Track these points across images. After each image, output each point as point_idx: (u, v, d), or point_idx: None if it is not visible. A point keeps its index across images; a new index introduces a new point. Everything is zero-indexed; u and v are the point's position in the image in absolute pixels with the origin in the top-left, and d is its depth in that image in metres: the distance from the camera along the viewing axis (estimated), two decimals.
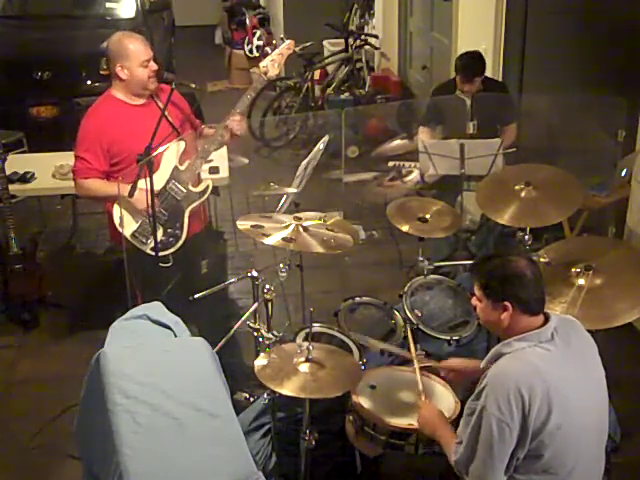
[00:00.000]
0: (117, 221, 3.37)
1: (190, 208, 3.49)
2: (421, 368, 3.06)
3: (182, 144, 3.46)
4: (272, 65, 3.43)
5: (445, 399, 2.79)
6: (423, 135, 4.91)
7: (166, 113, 3.36)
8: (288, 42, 3.48)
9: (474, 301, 2.43)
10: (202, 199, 3.54)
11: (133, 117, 3.46)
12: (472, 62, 4.71)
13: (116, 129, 3.42)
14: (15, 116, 6.65)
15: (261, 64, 3.45)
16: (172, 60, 9.58)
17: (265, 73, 3.44)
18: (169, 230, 3.44)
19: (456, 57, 4.88)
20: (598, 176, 4.46)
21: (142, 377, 2.47)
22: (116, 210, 3.38)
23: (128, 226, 3.38)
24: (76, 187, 3.55)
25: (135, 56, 3.39)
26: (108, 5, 8.02)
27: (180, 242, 3.46)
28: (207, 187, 3.54)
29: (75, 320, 4.54)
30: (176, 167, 3.45)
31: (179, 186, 3.45)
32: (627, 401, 3.39)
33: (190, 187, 3.48)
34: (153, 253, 3.34)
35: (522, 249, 3.36)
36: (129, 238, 3.38)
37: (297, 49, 6.39)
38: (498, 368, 2.28)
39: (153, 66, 3.43)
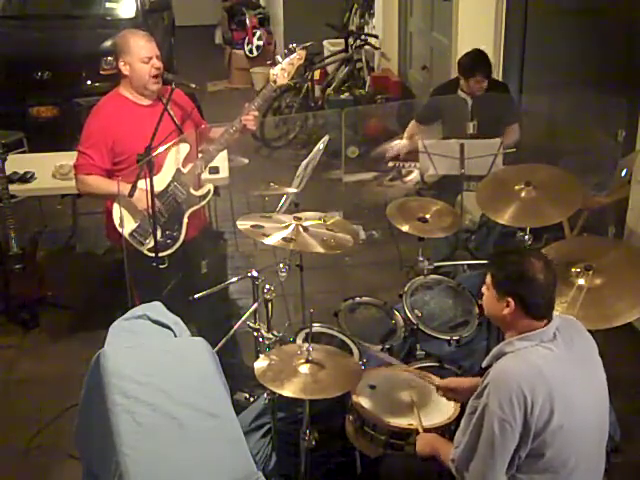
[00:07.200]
0: (117, 220, 3.37)
1: (190, 211, 3.49)
2: (420, 369, 3.07)
3: (186, 147, 3.46)
4: (282, 74, 3.42)
5: (445, 399, 2.80)
6: (411, 128, 4.92)
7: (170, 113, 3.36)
8: (299, 52, 3.45)
9: (483, 288, 2.43)
10: (202, 203, 3.55)
11: (139, 117, 3.45)
12: (478, 60, 4.65)
13: (121, 128, 3.42)
14: (15, 116, 6.65)
15: (271, 71, 3.43)
16: (172, 60, 9.57)
17: (274, 82, 3.43)
18: (167, 232, 3.43)
19: (461, 56, 4.81)
20: (598, 176, 4.45)
21: (142, 377, 2.47)
22: (116, 209, 3.38)
23: (127, 225, 3.37)
24: (77, 182, 3.55)
25: (135, 51, 3.40)
26: (108, 5, 8.02)
27: (177, 244, 3.45)
28: (208, 191, 3.54)
29: (75, 320, 4.53)
30: (179, 169, 3.45)
31: (180, 188, 3.45)
32: (627, 401, 3.38)
33: (191, 190, 3.48)
34: (150, 254, 3.34)
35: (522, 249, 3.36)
36: (127, 237, 3.38)
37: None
38: (500, 367, 2.28)
39: (155, 64, 3.42)
